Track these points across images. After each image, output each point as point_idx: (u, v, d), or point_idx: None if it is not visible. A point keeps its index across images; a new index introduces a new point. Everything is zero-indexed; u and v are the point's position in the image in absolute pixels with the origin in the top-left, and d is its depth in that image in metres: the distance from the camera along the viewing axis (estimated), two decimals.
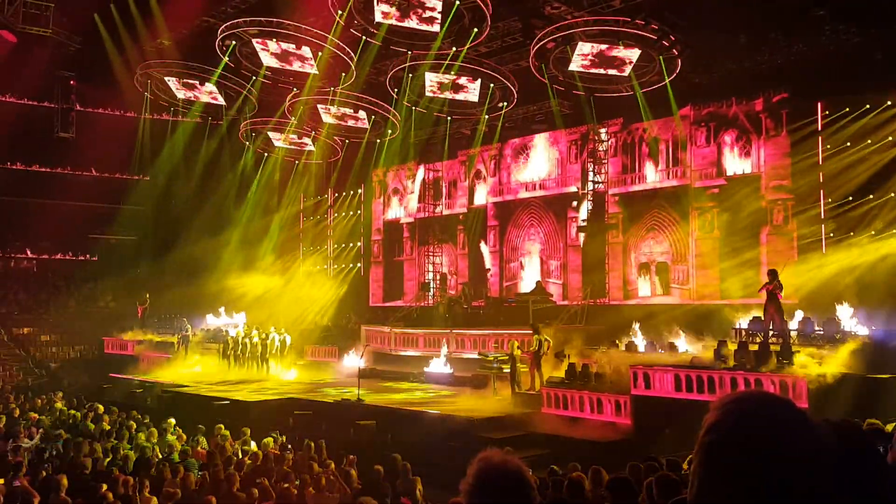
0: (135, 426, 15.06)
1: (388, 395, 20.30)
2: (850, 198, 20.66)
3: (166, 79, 27.76)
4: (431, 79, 25.12)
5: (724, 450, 1.38)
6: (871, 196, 20.32)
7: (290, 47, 23.98)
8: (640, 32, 20.66)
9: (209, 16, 24.69)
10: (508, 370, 18.84)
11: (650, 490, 5.80)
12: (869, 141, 20.44)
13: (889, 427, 7.69)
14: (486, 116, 27.60)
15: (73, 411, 17.25)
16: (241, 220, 34.53)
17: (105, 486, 8.83)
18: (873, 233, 20.26)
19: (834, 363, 14.15)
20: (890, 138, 20.17)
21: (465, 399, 19.12)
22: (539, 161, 29.34)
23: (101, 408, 17.37)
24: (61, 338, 32.70)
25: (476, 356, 22.34)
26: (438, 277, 31.37)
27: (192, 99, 29.18)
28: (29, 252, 35.72)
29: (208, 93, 28.44)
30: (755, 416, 1.39)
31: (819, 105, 21.77)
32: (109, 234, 35.97)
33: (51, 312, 34.04)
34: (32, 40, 25.45)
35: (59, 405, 18.81)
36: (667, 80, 22.31)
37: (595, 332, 21.32)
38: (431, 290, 30.98)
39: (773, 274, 16.31)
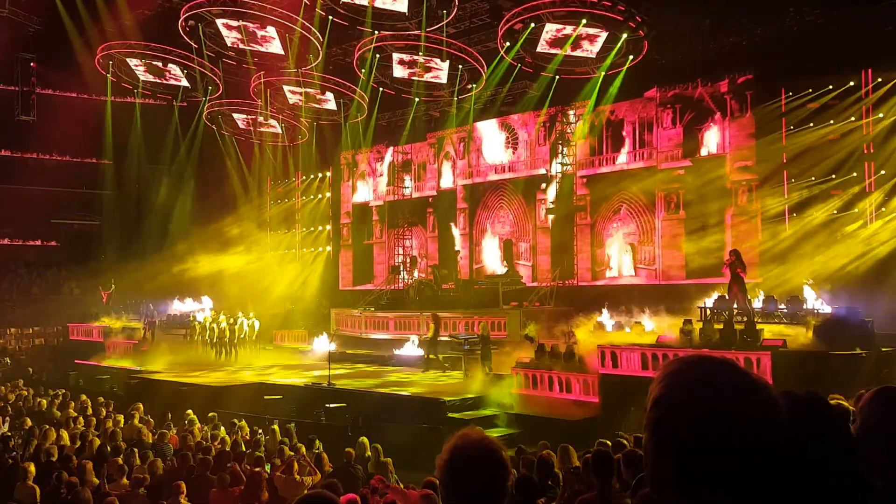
0: (102, 413, 14.93)
1: (358, 378, 20.28)
2: (813, 178, 20.98)
3: (129, 60, 27.24)
4: (400, 59, 24.95)
5: (670, 425, 1.31)
6: (834, 176, 20.65)
7: (255, 28, 23.64)
8: (607, 14, 20.69)
9: None
10: (479, 351, 18.95)
11: (618, 466, 5.91)
12: (832, 121, 20.72)
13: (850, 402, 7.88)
14: (455, 98, 27.50)
15: (39, 398, 17.03)
16: (207, 203, 34.11)
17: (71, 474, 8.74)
18: (835, 212, 20.61)
19: (797, 340, 14.44)
20: (852, 118, 20.47)
21: (436, 380, 19.19)
22: (508, 143, 29.34)
23: (68, 394, 17.19)
24: (25, 325, 32.15)
25: (447, 338, 22.41)
26: (408, 260, 31.31)
27: (156, 81, 28.67)
28: None
29: (172, 74, 27.95)
30: (699, 384, 1.33)
31: (783, 86, 22.00)
32: (73, 220, 35.36)
33: (14, 299, 33.43)
34: None
35: (24, 392, 18.54)
36: (623, 64, 22.41)
37: (564, 312, 21.47)
38: (402, 273, 30.93)
39: (735, 254, 16.53)
